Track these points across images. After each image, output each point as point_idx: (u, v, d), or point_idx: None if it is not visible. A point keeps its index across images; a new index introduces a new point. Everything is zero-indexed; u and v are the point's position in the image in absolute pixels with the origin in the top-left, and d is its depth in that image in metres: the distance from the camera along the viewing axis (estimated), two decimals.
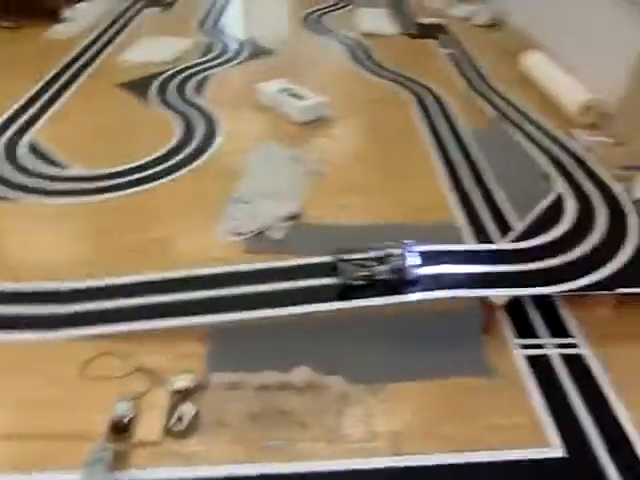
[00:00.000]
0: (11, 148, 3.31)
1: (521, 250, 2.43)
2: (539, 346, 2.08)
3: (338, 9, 6.43)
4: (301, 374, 1.89)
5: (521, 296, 2.23)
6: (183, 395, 1.79)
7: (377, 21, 5.91)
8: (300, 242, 2.55)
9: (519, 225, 2.64)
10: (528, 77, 4.42)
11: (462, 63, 4.84)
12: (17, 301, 2.21)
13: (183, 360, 1.94)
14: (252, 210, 2.70)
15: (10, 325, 2.09)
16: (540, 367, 1.99)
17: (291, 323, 2.09)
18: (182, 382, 1.81)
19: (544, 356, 2.04)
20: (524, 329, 2.15)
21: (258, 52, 4.98)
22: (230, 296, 2.19)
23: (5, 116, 3.68)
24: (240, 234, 2.57)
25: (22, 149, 3.30)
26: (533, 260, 2.32)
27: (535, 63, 4.43)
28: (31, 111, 3.77)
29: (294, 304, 2.11)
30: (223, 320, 2.07)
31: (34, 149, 3.31)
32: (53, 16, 5.42)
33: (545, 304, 2.25)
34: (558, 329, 2.15)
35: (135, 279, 2.30)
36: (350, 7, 6.46)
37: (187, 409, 1.74)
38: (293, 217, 2.69)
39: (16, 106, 3.82)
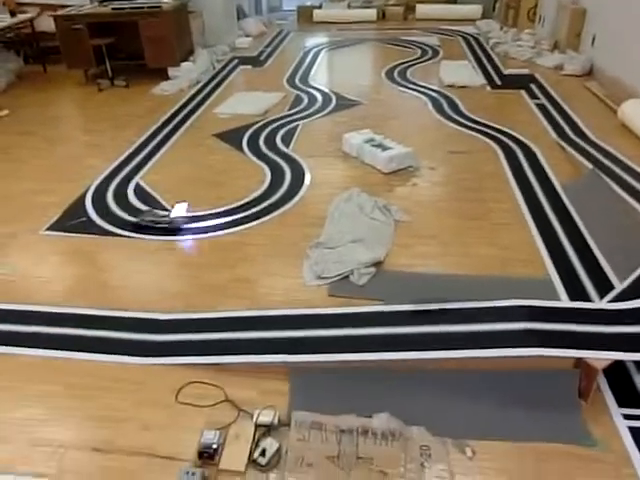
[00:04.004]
0: (121, 190, 3.66)
1: (624, 311, 2.24)
2: None
3: (423, 62, 6.60)
4: (382, 422, 1.86)
5: (624, 361, 2.06)
6: (266, 429, 1.83)
7: (462, 73, 5.98)
8: (383, 289, 2.55)
9: (621, 283, 2.45)
10: (628, 127, 4.22)
11: (553, 113, 4.75)
12: (113, 327, 2.39)
13: (267, 396, 1.99)
14: (336, 255, 2.76)
15: (104, 348, 2.26)
16: None
17: (373, 367, 2.08)
18: (265, 417, 1.85)
19: None
20: (628, 397, 1.98)
21: (344, 104, 5.19)
22: (313, 338, 2.23)
23: (116, 162, 4.08)
24: (324, 278, 2.63)
25: (130, 191, 3.63)
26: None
27: (635, 112, 4.22)
28: (139, 158, 4.16)
29: (376, 350, 2.10)
30: (306, 360, 2.11)
31: (140, 192, 3.63)
32: (161, 74, 6.02)
33: None
34: None
35: (222, 315, 2.43)
36: (434, 60, 6.62)
37: (270, 443, 1.77)
38: (376, 264, 2.71)
39: (126, 153, 4.24)
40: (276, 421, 1.85)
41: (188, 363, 2.16)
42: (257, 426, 1.84)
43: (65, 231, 3.19)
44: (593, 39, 5.81)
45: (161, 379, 2.10)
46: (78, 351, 2.25)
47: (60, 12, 6.15)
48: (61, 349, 2.27)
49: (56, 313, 2.49)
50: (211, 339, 2.29)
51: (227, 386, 2.04)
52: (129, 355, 2.22)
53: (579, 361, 1.98)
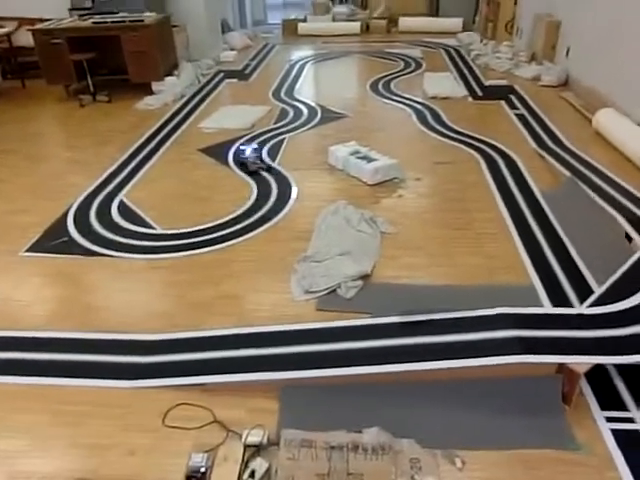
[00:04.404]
0: (104, 208, 3.62)
1: (604, 315, 2.29)
2: (629, 420, 1.93)
3: (406, 74, 6.68)
4: (372, 436, 1.85)
5: (605, 364, 2.09)
6: (255, 450, 1.81)
7: (445, 84, 6.07)
8: (371, 302, 2.55)
9: (599, 288, 2.50)
10: (602, 135, 4.33)
11: (532, 123, 4.84)
12: (98, 350, 2.34)
13: (255, 414, 1.97)
14: (324, 269, 2.76)
15: (90, 373, 2.22)
16: (630, 442, 1.84)
17: (362, 381, 2.07)
18: (254, 437, 1.83)
19: (636, 431, 1.89)
20: (610, 400, 2.01)
21: (329, 117, 5.22)
22: (301, 353, 2.22)
23: (100, 180, 4.04)
24: (312, 292, 2.62)
25: (113, 209, 3.60)
26: (618, 326, 2.18)
27: (609, 121, 4.34)
28: (122, 174, 4.12)
29: (366, 364, 2.10)
30: (296, 377, 2.09)
31: (123, 209, 3.59)
32: (145, 89, 6.00)
33: (633, 374, 2.09)
34: None
35: (209, 333, 2.40)
36: (417, 72, 6.70)
37: (259, 464, 1.75)
38: (364, 276, 2.71)
39: (110, 170, 4.20)
40: (265, 441, 1.82)
41: (175, 385, 2.12)
42: (246, 446, 1.81)
43: (46, 252, 3.12)
44: (567, 50, 5.93)
45: (148, 402, 2.06)
46: (62, 377, 2.20)
47: (38, 26, 6.04)
48: (44, 375, 2.21)
49: (38, 338, 2.42)
50: (198, 359, 2.26)
51: (215, 406, 2.01)
52: (115, 379, 2.18)
53: (561, 366, 2.00)
